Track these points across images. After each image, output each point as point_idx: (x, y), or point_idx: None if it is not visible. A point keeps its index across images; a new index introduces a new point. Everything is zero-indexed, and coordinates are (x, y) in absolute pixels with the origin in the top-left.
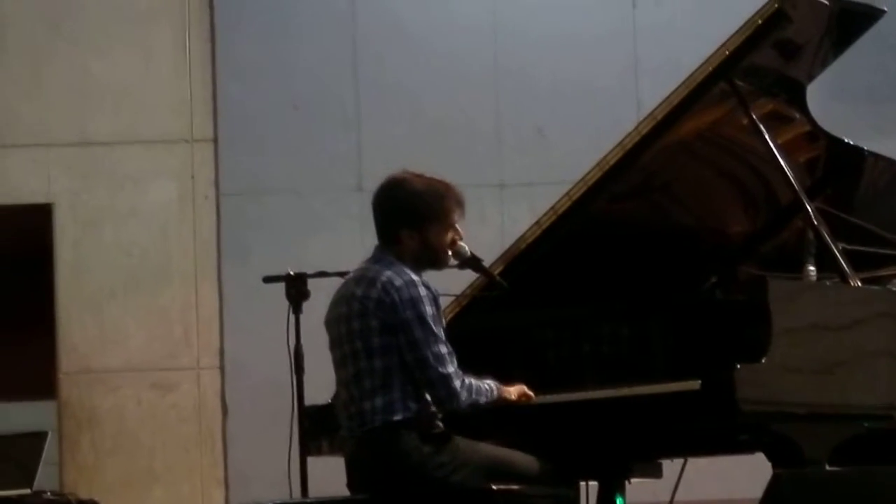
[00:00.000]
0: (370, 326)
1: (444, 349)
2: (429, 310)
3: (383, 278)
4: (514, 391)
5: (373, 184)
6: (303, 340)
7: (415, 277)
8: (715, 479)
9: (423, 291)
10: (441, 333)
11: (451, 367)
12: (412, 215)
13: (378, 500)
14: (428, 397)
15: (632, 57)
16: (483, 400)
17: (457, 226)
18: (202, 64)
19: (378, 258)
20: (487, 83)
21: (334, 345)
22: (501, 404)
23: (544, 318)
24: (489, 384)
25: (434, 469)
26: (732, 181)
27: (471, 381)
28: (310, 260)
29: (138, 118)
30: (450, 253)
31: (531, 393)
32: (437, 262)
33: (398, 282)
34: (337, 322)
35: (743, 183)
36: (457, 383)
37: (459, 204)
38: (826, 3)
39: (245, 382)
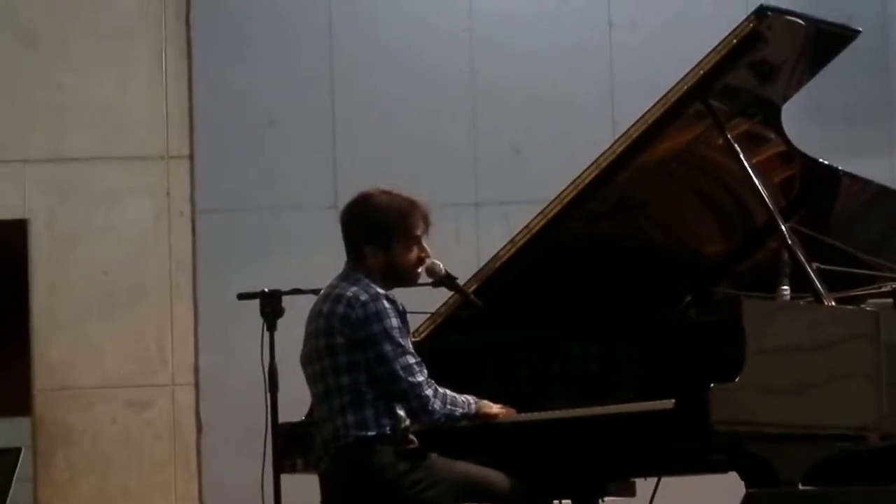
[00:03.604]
0: (336, 343)
1: (411, 360)
2: (394, 322)
3: (349, 294)
4: (496, 408)
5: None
6: (277, 358)
7: (380, 291)
8: (688, 498)
9: (387, 304)
10: (408, 345)
11: (421, 377)
12: (375, 231)
13: None
14: (401, 412)
15: (608, 77)
16: (459, 412)
17: (423, 243)
18: (178, 80)
19: (346, 275)
20: (464, 102)
21: (306, 363)
22: (481, 418)
23: (519, 337)
24: (466, 397)
25: (408, 486)
26: (707, 201)
27: (444, 390)
28: (285, 277)
29: (114, 134)
30: (419, 270)
31: (514, 411)
32: (405, 280)
33: (363, 297)
34: (307, 341)
35: (718, 203)
36: (428, 392)
37: (425, 220)
38: (801, 23)
39: (220, 400)
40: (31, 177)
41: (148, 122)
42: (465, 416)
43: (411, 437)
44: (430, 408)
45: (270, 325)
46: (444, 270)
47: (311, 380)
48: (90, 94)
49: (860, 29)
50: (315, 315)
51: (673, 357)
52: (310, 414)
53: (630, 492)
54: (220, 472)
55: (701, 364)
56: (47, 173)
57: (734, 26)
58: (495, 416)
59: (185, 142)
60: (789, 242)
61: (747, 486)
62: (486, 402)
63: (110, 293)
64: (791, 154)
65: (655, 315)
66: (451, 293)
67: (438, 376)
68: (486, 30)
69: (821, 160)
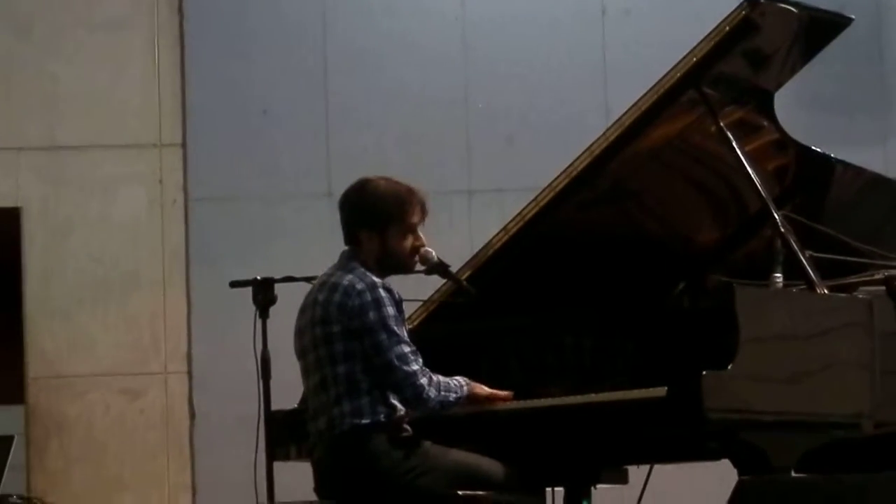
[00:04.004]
0: (332, 332)
1: (406, 349)
2: (390, 311)
3: (345, 282)
4: (487, 389)
5: (342, 190)
6: (270, 345)
7: (376, 280)
8: (681, 486)
9: (384, 293)
10: (404, 334)
11: (416, 366)
12: (371, 216)
13: None
14: (395, 401)
15: (601, 65)
16: (453, 397)
17: (418, 231)
18: (171, 70)
19: (342, 264)
20: (457, 91)
21: (301, 353)
22: (473, 401)
23: (512, 324)
24: (458, 380)
25: (403, 473)
26: (701, 189)
27: (438, 378)
28: (278, 266)
29: (108, 123)
30: (415, 258)
31: (502, 393)
32: (400, 267)
33: (360, 285)
34: (303, 330)
35: (711, 191)
36: (423, 380)
37: (422, 209)
38: (794, 10)
39: (213, 388)
40: (25, 165)
41: (141, 110)
42: (459, 400)
43: (405, 425)
44: (424, 396)
45: (263, 312)
46: (436, 258)
47: (306, 370)
48: (84, 83)
49: (853, 17)
50: (310, 304)
51: (666, 345)
52: (303, 402)
53: (623, 479)
54: (213, 459)
55: (694, 351)
56: (41, 162)
57: (727, 13)
58: (486, 397)
59: (178, 130)
60: (782, 230)
61: (740, 474)
62: (477, 384)
63: (103, 281)
64: (784, 142)
65: (649, 303)
66: (443, 280)
67: (431, 364)
68: (479, 18)
69: (814, 148)
